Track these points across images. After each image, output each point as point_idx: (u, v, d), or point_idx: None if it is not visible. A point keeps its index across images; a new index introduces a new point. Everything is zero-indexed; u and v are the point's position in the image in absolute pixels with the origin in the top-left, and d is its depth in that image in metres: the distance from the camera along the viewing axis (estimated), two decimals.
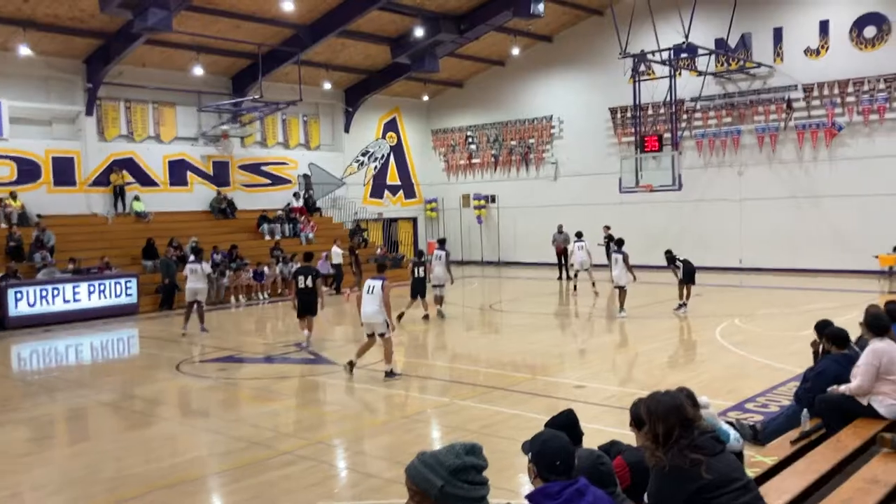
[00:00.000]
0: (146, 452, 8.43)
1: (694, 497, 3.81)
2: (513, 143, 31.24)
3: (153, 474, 7.63)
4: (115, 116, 24.83)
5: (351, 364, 11.65)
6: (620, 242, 17.25)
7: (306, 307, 14.35)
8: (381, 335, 11.35)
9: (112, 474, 7.73)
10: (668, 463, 3.83)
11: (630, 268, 16.84)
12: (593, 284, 21.12)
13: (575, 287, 22.25)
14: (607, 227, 24.23)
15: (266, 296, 23.18)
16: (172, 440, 9.01)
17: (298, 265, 16.86)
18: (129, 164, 24.75)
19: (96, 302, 19.82)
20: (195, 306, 16.52)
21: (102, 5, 19.48)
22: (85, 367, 14.63)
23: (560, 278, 25.19)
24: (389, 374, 11.35)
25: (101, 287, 20.02)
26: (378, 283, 11.27)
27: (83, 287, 19.65)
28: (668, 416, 3.92)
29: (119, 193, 24.22)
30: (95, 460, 8.22)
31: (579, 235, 21.98)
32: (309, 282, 14.31)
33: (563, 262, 25.31)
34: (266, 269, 23.48)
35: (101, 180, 24.07)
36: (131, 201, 24.55)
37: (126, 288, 20.47)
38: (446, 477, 2.52)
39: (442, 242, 19.04)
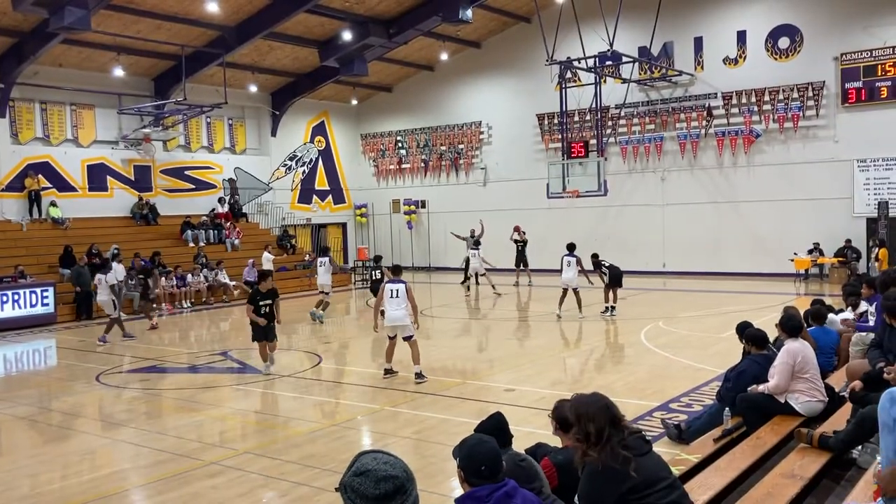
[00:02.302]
0: (64, 468, 8.11)
1: (625, 497, 3.86)
2: (442, 148, 31.33)
3: (71, 490, 7.34)
4: (30, 118, 23.88)
5: (389, 371, 11.52)
6: (572, 247, 17.46)
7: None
8: (408, 338, 11.29)
9: (26, 491, 7.39)
10: (602, 462, 3.87)
11: (584, 271, 17.11)
12: (493, 287, 22.30)
13: (468, 289, 23.36)
14: (522, 232, 25.43)
15: (190, 304, 22.63)
16: (92, 454, 8.68)
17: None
18: (44, 168, 23.82)
19: (10, 312, 18.98)
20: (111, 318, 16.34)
21: (15, 3, 18.71)
22: None
23: (464, 283, 25.62)
24: (420, 375, 11.19)
25: (16, 297, 19.20)
26: (402, 287, 11.21)
27: None
28: (599, 415, 3.96)
29: (34, 199, 23.26)
30: (9, 477, 7.84)
31: (477, 244, 23.31)
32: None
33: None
34: (189, 276, 22.94)
35: (15, 185, 23.08)
36: (48, 207, 23.63)
37: (42, 297, 19.67)
38: (343, 482, 2.44)
39: (325, 251, 20.29)
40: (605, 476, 3.88)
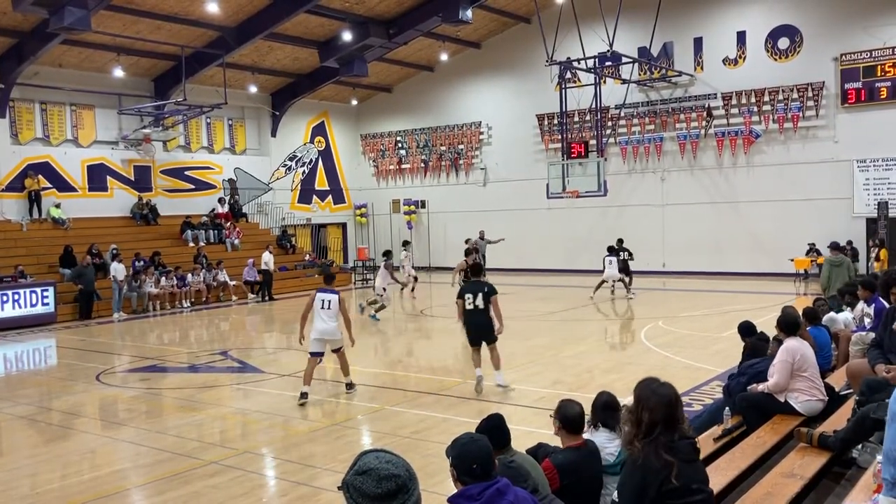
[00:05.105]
0: (64, 467, 8.10)
1: (658, 499, 3.75)
2: (442, 148, 31.34)
3: (71, 489, 7.34)
4: (30, 118, 23.88)
5: (305, 395, 10.38)
6: (612, 249, 20.36)
7: (481, 333, 10.66)
8: (337, 350, 10.74)
9: (26, 491, 7.40)
10: (642, 458, 3.76)
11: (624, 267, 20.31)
12: (412, 290, 22.72)
13: (402, 289, 23.02)
14: (482, 232, 25.90)
15: (189, 304, 22.64)
16: (92, 453, 8.68)
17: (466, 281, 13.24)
18: (44, 169, 23.81)
19: (10, 312, 18.99)
20: None
21: (15, 4, 18.70)
22: None
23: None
24: (350, 385, 10.82)
25: (16, 296, 19.21)
26: (334, 297, 10.49)
27: None
28: (657, 407, 3.78)
29: (34, 199, 23.26)
30: (9, 477, 7.85)
31: (404, 245, 24.06)
32: (480, 301, 10.46)
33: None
34: (189, 276, 22.95)
35: (15, 185, 23.08)
36: (48, 207, 23.62)
37: (42, 297, 19.69)
38: (345, 481, 2.44)
39: (387, 254, 20.17)
40: (645, 472, 3.75)
